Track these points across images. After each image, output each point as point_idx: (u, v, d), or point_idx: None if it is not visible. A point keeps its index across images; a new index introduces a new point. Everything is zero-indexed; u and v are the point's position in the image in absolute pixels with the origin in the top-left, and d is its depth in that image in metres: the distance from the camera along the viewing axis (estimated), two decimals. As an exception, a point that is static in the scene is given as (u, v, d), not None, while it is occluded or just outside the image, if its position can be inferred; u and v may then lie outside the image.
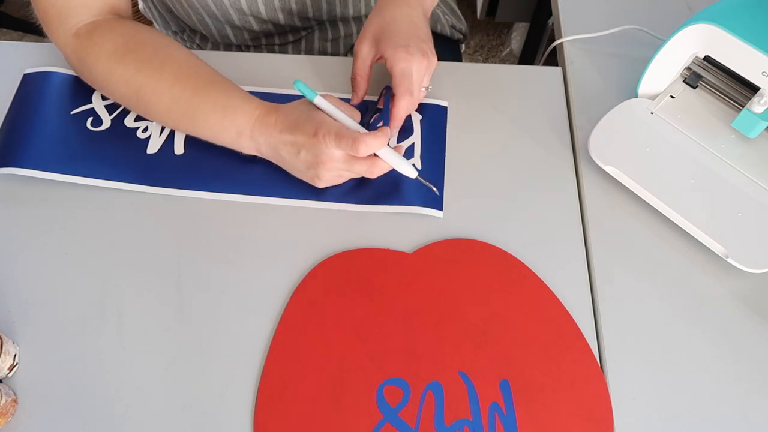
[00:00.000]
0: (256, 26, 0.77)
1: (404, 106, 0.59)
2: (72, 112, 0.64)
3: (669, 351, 0.53)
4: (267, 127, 0.56)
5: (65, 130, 0.63)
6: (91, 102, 0.65)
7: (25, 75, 0.67)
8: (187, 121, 0.59)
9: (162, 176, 0.61)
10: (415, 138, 0.64)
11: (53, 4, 0.58)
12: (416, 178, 0.58)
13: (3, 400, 0.48)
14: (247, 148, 0.58)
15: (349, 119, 0.56)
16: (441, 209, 0.60)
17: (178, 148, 0.62)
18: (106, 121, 0.64)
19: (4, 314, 0.54)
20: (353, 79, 0.62)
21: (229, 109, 0.57)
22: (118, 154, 0.62)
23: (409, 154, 0.63)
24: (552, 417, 0.50)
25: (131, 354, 0.52)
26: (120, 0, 0.62)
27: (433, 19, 0.86)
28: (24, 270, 0.56)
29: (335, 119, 0.56)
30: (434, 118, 0.65)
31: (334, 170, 0.56)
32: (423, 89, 0.61)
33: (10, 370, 0.51)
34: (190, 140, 0.62)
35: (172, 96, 0.57)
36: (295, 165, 0.57)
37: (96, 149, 0.62)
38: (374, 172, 0.57)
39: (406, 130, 0.64)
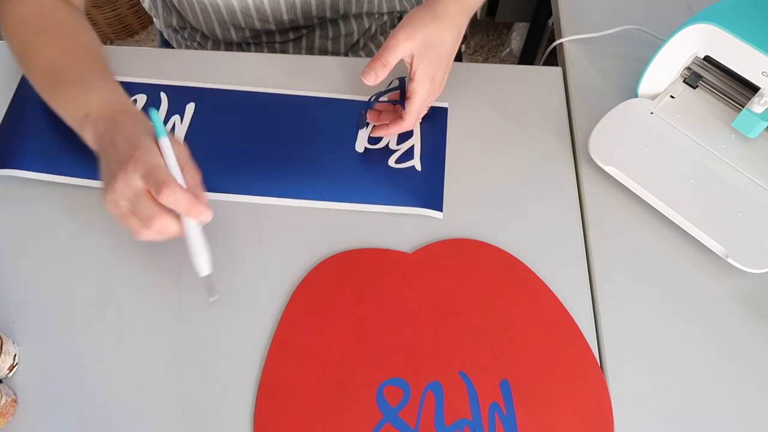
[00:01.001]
0: (257, 25, 0.77)
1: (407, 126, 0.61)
2: None
3: (669, 351, 0.53)
4: (113, 120, 0.52)
5: (67, 132, 0.63)
6: None
7: (23, 76, 0.67)
8: (51, 90, 0.57)
9: None
10: (415, 140, 0.64)
11: None
12: (205, 276, 0.51)
13: (3, 400, 0.48)
14: (86, 134, 0.53)
15: (179, 173, 0.49)
16: (441, 210, 0.60)
17: None
18: None
19: (4, 314, 0.54)
20: (377, 61, 0.57)
21: (88, 90, 0.55)
22: None
23: (408, 156, 0.63)
24: (552, 417, 0.50)
25: (131, 354, 0.52)
26: None
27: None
28: (24, 270, 0.56)
29: (166, 163, 0.49)
30: (434, 119, 0.65)
31: (121, 194, 0.48)
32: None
33: (10, 370, 0.51)
34: (190, 140, 0.62)
35: (51, 60, 0.58)
36: (106, 163, 0.50)
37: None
38: (153, 225, 0.47)
39: (405, 133, 0.64)
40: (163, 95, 0.66)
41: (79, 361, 0.52)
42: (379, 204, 0.60)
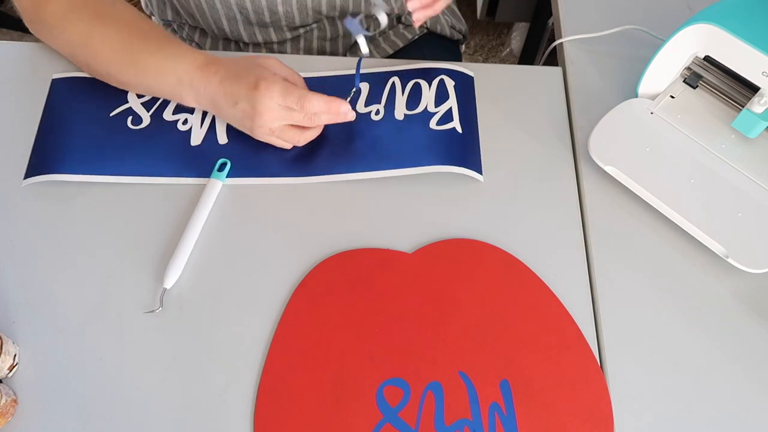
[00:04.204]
0: (253, 17, 0.77)
1: None
2: (111, 114, 0.63)
3: (669, 351, 0.53)
4: (208, 76, 0.58)
5: (107, 132, 0.62)
6: (127, 101, 0.64)
7: (53, 80, 0.65)
8: (131, 67, 0.60)
9: (208, 167, 0.61)
10: (452, 102, 0.65)
11: None
12: (164, 288, 0.55)
13: (3, 400, 0.48)
14: (187, 97, 0.60)
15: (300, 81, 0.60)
16: (481, 173, 0.61)
17: (222, 138, 0.62)
18: (146, 118, 0.63)
19: (4, 314, 0.54)
20: None
21: (170, 55, 0.59)
22: (164, 149, 0.62)
23: (448, 118, 0.64)
24: (552, 417, 0.50)
25: (131, 354, 0.53)
26: None
27: (433, 20, 0.86)
28: (24, 270, 0.56)
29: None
30: (464, 85, 0.67)
31: (272, 121, 0.56)
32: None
33: (10, 370, 0.51)
34: (232, 129, 0.62)
35: (121, 39, 0.59)
36: (233, 115, 0.58)
37: (141, 147, 0.62)
38: (314, 119, 0.57)
39: (441, 96, 0.65)
40: None
41: (79, 361, 0.52)
42: (417, 166, 0.60)
